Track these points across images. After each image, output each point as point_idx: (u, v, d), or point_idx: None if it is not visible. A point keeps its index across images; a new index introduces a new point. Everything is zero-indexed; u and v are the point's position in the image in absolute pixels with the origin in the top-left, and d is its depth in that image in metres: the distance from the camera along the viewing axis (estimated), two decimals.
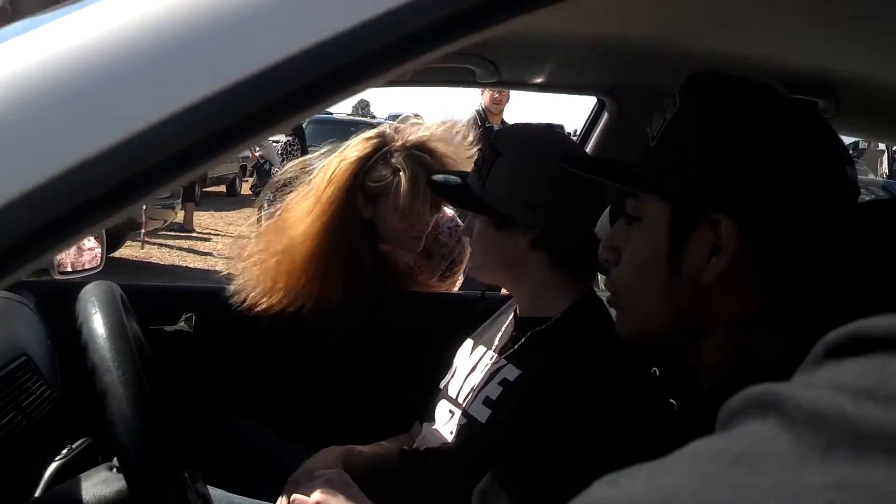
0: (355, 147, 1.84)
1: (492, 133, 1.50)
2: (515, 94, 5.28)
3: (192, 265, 7.81)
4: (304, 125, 9.61)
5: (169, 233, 9.22)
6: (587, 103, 2.02)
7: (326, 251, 1.79)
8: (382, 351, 1.89)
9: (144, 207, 6.97)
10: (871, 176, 12.64)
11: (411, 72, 0.56)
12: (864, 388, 0.28)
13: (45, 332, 1.50)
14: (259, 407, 1.79)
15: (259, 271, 1.82)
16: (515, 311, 1.48)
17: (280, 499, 1.52)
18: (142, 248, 8.12)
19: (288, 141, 7.82)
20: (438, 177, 1.54)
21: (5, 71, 0.46)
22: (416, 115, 1.98)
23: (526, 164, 1.36)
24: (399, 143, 1.82)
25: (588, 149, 1.90)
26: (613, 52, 1.50)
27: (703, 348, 0.89)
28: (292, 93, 0.47)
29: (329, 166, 1.82)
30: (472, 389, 1.42)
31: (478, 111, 5.10)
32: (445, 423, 1.45)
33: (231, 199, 12.44)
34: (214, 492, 1.43)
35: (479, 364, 1.47)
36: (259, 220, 1.97)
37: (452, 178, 1.50)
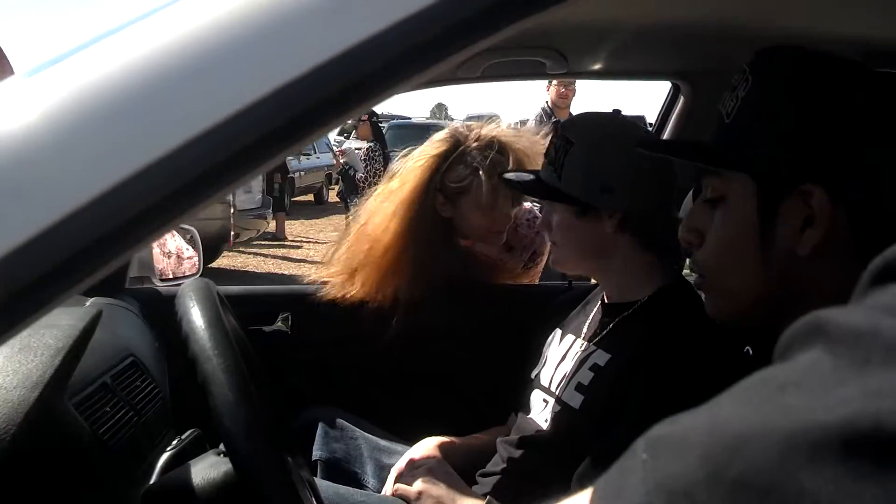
0: (431, 149, 1.88)
1: (560, 125, 1.50)
2: (581, 89, 5.24)
3: (286, 272, 8.02)
4: (384, 130, 9.75)
5: (262, 242, 9.49)
6: (658, 93, 2.02)
7: (410, 251, 1.84)
8: (472, 344, 1.93)
9: (233, 221, 7.23)
10: None
11: (463, 62, 0.58)
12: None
13: (150, 334, 1.59)
14: (356, 401, 1.85)
15: (347, 273, 1.88)
16: (603, 299, 1.49)
17: (384, 488, 1.58)
18: (235, 257, 8.37)
19: (370, 147, 7.95)
20: (510, 175, 1.57)
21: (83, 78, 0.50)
22: (493, 116, 2.01)
23: (599, 149, 1.37)
24: (474, 142, 1.86)
25: (665, 134, 1.90)
26: (685, 36, 1.50)
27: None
28: (348, 86, 0.50)
29: (407, 169, 1.87)
30: (564, 377, 1.44)
31: (544, 108, 5.09)
32: (540, 412, 1.47)
33: (319, 207, 12.71)
34: (319, 482, 1.49)
35: (569, 352, 1.48)
36: (348, 226, 2.05)
37: (524, 174, 1.53)
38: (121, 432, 1.12)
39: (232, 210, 7.25)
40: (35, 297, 0.45)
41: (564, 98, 5.10)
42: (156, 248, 1.93)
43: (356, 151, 8.08)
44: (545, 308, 1.81)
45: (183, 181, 0.48)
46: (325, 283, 1.91)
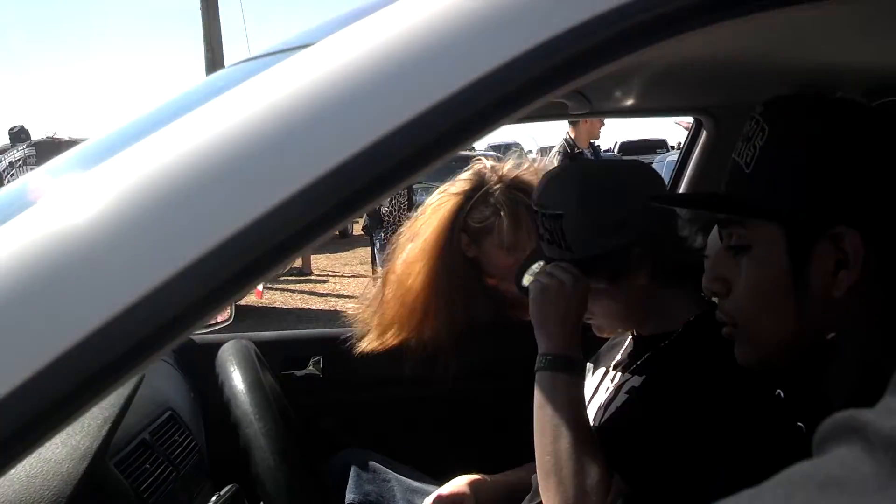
0: (454, 189, 1.90)
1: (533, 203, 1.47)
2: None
3: (313, 307, 8.05)
4: None
5: (289, 277, 9.54)
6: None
7: (436, 292, 1.85)
8: (503, 382, 1.93)
9: None
10: None
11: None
12: None
13: (186, 385, 1.61)
14: (388, 443, 1.85)
15: (377, 316, 1.90)
16: (633, 332, 1.49)
17: None
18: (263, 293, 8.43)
19: None
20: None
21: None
22: (514, 146, 2.03)
23: (588, 205, 1.34)
24: (496, 182, 1.87)
25: (690, 168, 1.90)
26: (709, 73, 1.51)
27: (837, 365, 0.89)
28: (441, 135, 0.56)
29: (431, 210, 1.89)
30: (599, 408, 1.43)
31: (566, 139, 5.11)
32: None
33: (344, 241, 12.77)
34: None
35: (601, 385, 1.48)
36: (374, 259, 2.06)
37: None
38: (161, 488, 1.14)
39: None
40: (100, 386, 0.48)
41: (591, 129, 5.11)
42: None
43: None
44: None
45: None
46: (355, 326, 1.93)
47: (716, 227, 1.35)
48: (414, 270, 1.86)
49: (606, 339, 1.59)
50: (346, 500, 1.69)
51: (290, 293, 8.92)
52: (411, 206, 8.42)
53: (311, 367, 1.93)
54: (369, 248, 8.52)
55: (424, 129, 0.55)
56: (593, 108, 1.69)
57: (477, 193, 1.87)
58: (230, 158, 0.54)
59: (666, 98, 1.76)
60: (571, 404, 1.28)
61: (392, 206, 7.56)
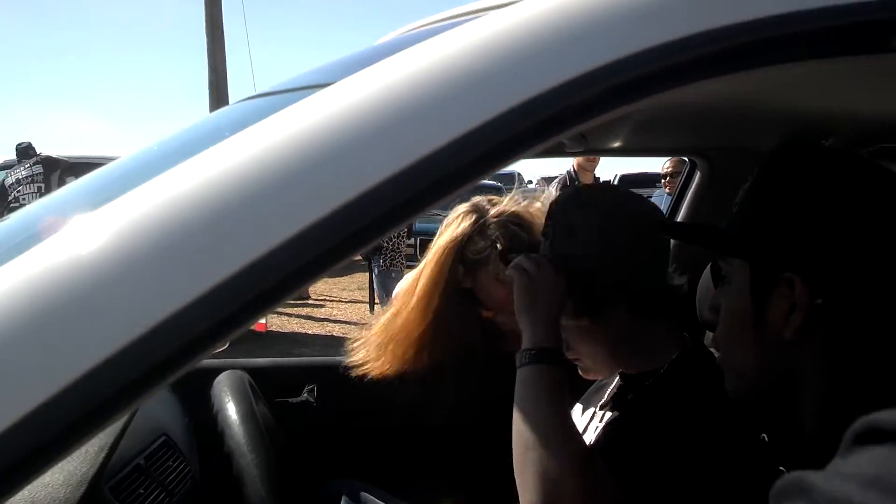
0: (453, 221, 1.93)
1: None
2: None
3: (310, 332, 8.05)
4: None
5: (286, 301, 9.52)
6: None
7: (432, 322, 1.88)
8: (496, 415, 1.94)
9: None
10: None
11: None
12: (871, 478, 0.33)
13: (181, 410, 1.62)
14: (380, 473, 1.86)
15: (375, 345, 1.92)
16: (621, 371, 1.51)
17: None
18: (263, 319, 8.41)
19: None
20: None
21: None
22: (519, 175, 2.06)
23: (603, 230, 1.36)
24: (494, 215, 1.90)
25: (683, 208, 1.93)
26: (703, 116, 1.54)
27: (799, 406, 0.92)
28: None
29: (433, 242, 1.93)
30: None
31: (569, 172, 5.19)
32: None
33: (342, 266, 12.79)
34: None
35: (590, 425, 1.50)
36: (371, 285, 2.09)
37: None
38: None
39: None
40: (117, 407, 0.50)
41: (591, 161, 5.17)
42: None
43: None
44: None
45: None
46: (352, 354, 1.95)
47: (709, 267, 1.38)
48: (412, 301, 1.89)
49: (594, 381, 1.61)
50: None
51: (287, 317, 8.91)
52: (410, 233, 8.45)
53: (305, 395, 1.94)
54: (367, 274, 8.53)
55: (429, 170, 0.59)
56: (589, 146, 1.72)
57: (475, 226, 1.91)
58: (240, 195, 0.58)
59: (661, 139, 1.79)
60: (552, 394, 1.26)
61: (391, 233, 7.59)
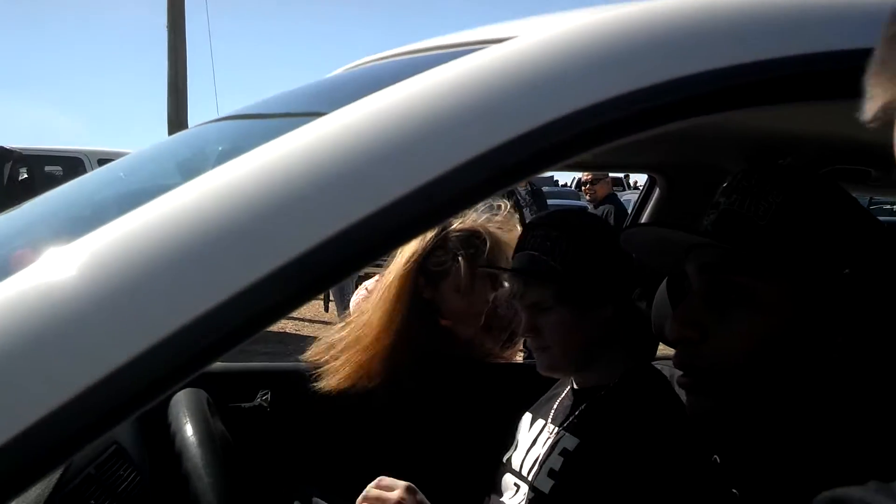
0: None
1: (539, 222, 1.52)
2: None
3: (264, 350, 7.99)
4: None
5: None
6: None
7: (390, 330, 1.89)
8: (450, 423, 1.95)
9: None
10: None
11: None
12: None
13: (133, 417, 1.59)
14: (334, 479, 1.85)
15: (335, 353, 1.93)
16: (572, 383, 1.52)
17: None
18: None
19: None
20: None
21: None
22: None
23: (590, 240, 1.42)
24: (456, 228, 1.92)
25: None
26: (663, 135, 1.56)
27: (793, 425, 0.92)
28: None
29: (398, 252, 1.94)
30: (536, 461, 1.46)
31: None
32: (512, 496, 1.50)
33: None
34: None
35: (539, 437, 1.51)
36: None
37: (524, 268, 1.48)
38: None
39: None
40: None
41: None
42: None
43: None
44: (521, 388, 1.83)
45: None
46: (309, 360, 1.94)
47: (664, 283, 1.40)
48: (373, 310, 1.91)
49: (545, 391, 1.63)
50: None
51: None
52: None
53: (259, 400, 1.93)
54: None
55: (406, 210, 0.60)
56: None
57: (436, 238, 1.92)
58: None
59: (620, 156, 1.81)
60: None
61: None
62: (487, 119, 0.67)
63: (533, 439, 1.53)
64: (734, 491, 0.94)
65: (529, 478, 1.45)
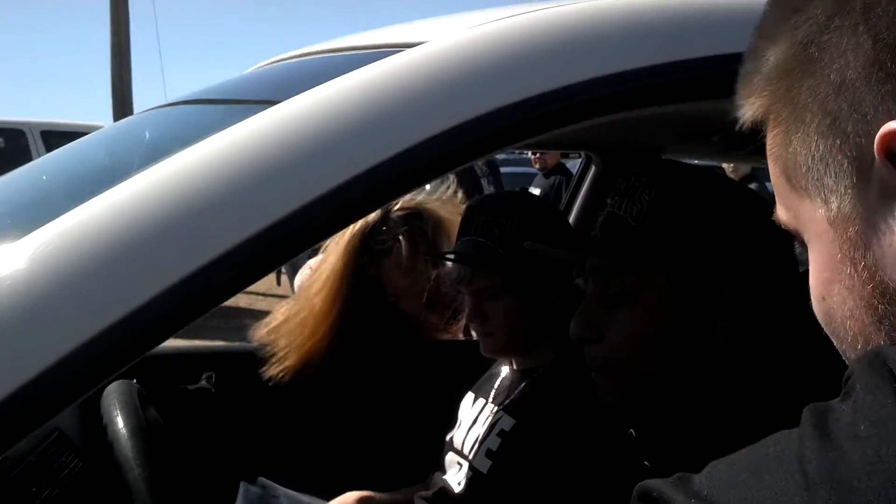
0: None
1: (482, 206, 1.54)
2: None
3: (214, 327, 7.92)
4: None
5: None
6: None
7: (334, 308, 1.92)
8: (395, 401, 1.98)
9: None
10: None
11: None
12: None
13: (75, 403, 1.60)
14: (279, 459, 1.88)
15: (281, 333, 1.95)
16: (511, 364, 1.57)
17: None
18: None
19: None
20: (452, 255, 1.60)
21: None
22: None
23: (537, 223, 1.44)
24: (397, 207, 1.95)
25: (578, 202, 2.00)
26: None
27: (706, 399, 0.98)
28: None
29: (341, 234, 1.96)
30: (476, 441, 1.50)
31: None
32: (454, 474, 1.54)
33: None
34: None
35: (479, 416, 1.55)
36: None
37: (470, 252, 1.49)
38: None
39: None
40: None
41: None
42: None
43: None
44: (465, 365, 1.87)
45: None
46: (254, 340, 1.97)
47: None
48: (318, 289, 1.93)
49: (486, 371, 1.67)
50: None
51: None
52: None
53: (203, 382, 1.94)
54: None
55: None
56: None
57: (378, 217, 1.95)
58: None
59: (556, 136, 1.84)
60: None
61: None
62: (405, 120, 0.70)
63: (474, 418, 1.56)
64: (646, 463, 1.00)
65: (470, 457, 1.50)
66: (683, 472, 0.43)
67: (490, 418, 1.50)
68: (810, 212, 0.50)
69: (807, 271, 0.52)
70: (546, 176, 6.51)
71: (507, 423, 1.45)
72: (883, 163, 0.43)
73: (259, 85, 1.23)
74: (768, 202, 0.97)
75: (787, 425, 0.39)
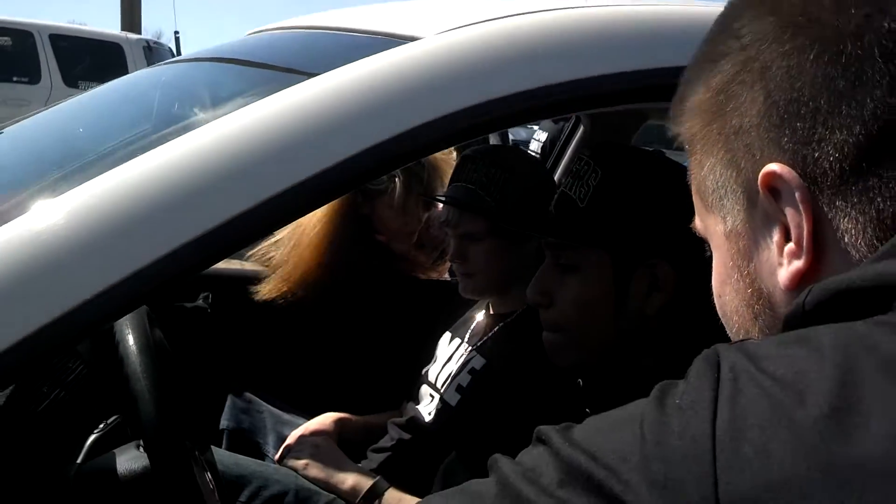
0: None
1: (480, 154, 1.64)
2: None
3: None
4: None
5: None
6: None
7: (327, 241, 2.01)
8: (378, 332, 2.06)
9: None
10: None
11: None
12: (525, 467, 0.50)
13: None
14: (267, 377, 1.98)
15: (274, 265, 2.05)
16: (488, 308, 1.68)
17: (277, 459, 1.73)
18: None
19: None
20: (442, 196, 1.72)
21: None
22: None
23: (528, 175, 1.55)
24: None
25: (565, 161, 2.09)
26: None
27: (643, 360, 1.11)
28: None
29: None
30: (449, 376, 1.62)
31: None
32: (427, 404, 1.66)
33: None
34: (221, 451, 1.66)
35: (454, 354, 1.67)
36: None
37: (459, 195, 1.59)
38: (54, 411, 1.27)
39: None
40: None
41: None
42: None
43: None
44: (445, 305, 1.98)
45: None
46: (255, 272, 2.07)
47: None
48: (311, 224, 2.01)
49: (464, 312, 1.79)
50: (220, 426, 1.85)
51: None
52: None
53: (199, 301, 2.05)
54: None
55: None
56: None
57: None
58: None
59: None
60: None
61: None
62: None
63: (449, 356, 1.68)
64: (587, 409, 1.13)
65: (442, 390, 1.62)
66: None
67: (463, 357, 1.62)
68: (713, 226, 0.62)
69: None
70: (555, 121, 6.49)
71: (479, 362, 1.57)
72: (765, 195, 0.55)
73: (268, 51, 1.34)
74: None
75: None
